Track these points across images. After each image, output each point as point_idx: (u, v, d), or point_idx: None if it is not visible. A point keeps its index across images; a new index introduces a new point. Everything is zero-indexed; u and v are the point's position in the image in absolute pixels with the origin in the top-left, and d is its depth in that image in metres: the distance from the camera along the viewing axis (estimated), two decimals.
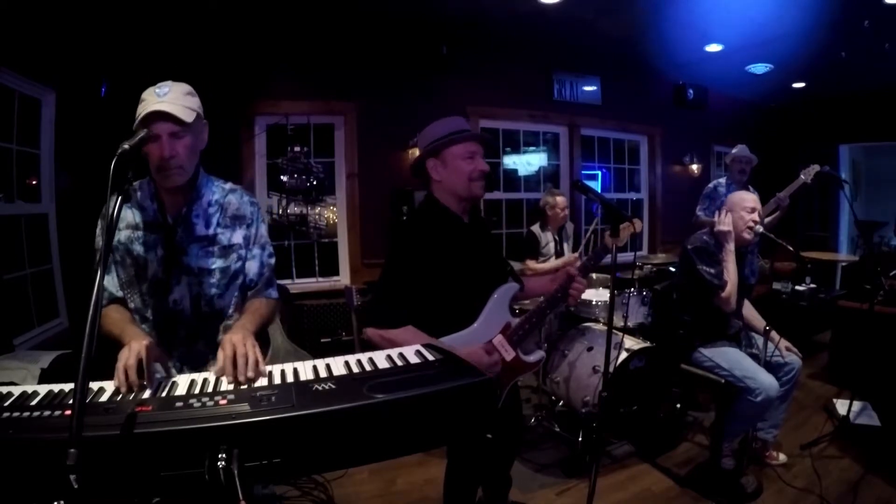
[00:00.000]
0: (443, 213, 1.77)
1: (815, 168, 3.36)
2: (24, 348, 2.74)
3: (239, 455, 0.82)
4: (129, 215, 1.43)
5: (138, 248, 1.41)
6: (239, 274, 1.51)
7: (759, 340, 2.51)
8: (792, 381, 2.49)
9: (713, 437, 2.66)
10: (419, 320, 1.61)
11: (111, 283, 1.43)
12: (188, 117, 1.32)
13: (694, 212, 3.87)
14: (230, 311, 1.50)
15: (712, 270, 2.42)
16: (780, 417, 2.57)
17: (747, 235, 2.45)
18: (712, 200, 3.76)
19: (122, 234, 1.41)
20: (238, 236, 1.49)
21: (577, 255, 3.64)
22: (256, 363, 1.13)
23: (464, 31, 4.56)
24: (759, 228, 2.41)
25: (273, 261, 1.58)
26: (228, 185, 1.54)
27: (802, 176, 3.36)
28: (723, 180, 3.85)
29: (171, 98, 1.31)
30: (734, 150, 3.80)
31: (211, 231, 1.46)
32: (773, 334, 2.48)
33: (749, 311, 2.72)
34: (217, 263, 1.46)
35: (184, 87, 1.38)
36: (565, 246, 4.02)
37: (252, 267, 1.52)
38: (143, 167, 1.35)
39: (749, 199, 2.47)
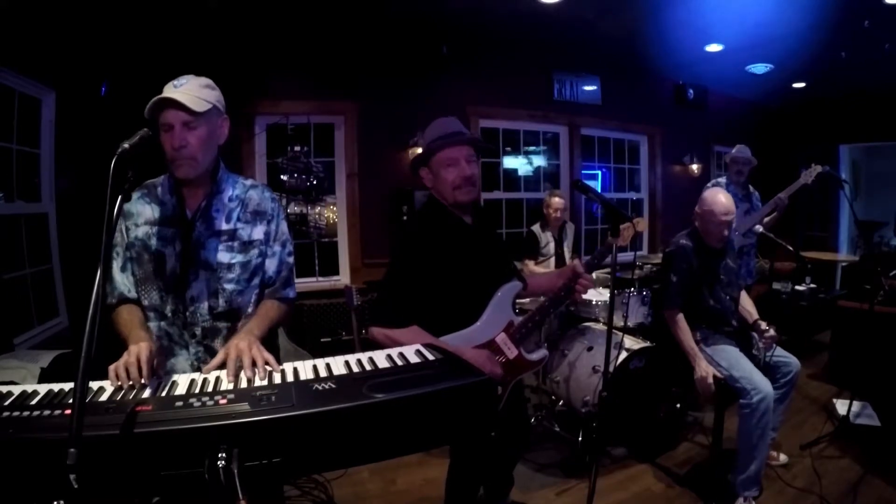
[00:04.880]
0: (445, 214, 1.77)
1: (817, 169, 3.35)
2: (24, 348, 2.74)
3: (239, 454, 0.82)
4: (148, 211, 1.42)
5: (156, 244, 1.40)
6: (259, 270, 1.49)
7: (759, 341, 2.50)
8: (790, 382, 2.47)
9: (713, 438, 2.64)
10: (423, 319, 1.61)
11: (125, 282, 1.42)
12: (199, 107, 1.32)
13: (693, 211, 3.86)
14: (249, 309, 1.47)
15: (675, 279, 2.48)
16: (778, 419, 2.56)
17: (717, 245, 2.51)
18: None
19: (139, 231, 1.41)
20: (259, 232, 1.48)
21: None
22: (266, 363, 1.14)
23: (464, 31, 4.56)
24: (759, 228, 2.41)
25: (292, 259, 1.57)
26: (249, 182, 1.54)
27: (803, 177, 3.36)
28: (722, 180, 3.84)
29: (185, 89, 1.32)
30: (733, 151, 3.78)
31: (231, 226, 1.45)
32: (770, 332, 2.47)
33: (745, 302, 2.71)
34: (237, 258, 1.44)
35: (202, 80, 1.38)
36: (565, 246, 4.02)
37: (271, 265, 1.51)
38: (145, 167, 1.35)
39: (721, 206, 2.47)
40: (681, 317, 2.49)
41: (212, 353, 1.44)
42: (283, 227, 1.54)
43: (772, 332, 2.43)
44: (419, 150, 1.77)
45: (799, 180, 3.37)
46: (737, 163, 3.73)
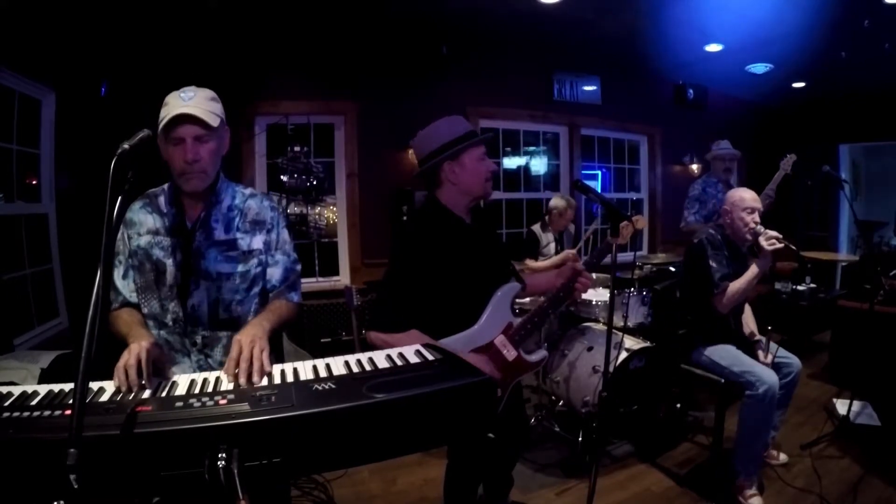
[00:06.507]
0: (444, 216, 1.77)
1: (793, 157, 3.44)
2: (24, 348, 2.74)
3: (239, 455, 0.82)
4: (150, 220, 1.43)
5: (158, 253, 1.41)
6: (259, 280, 1.49)
7: (761, 346, 2.51)
8: (792, 382, 2.48)
9: (714, 438, 2.65)
10: (422, 322, 1.61)
11: (126, 287, 1.43)
12: (213, 121, 1.33)
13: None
14: (249, 318, 1.47)
15: (715, 266, 2.42)
16: (778, 419, 2.56)
17: (748, 237, 2.44)
18: (703, 203, 3.68)
19: (142, 240, 1.42)
20: (258, 241, 1.48)
21: (575, 251, 3.64)
22: (262, 368, 1.11)
23: (464, 31, 4.56)
24: (760, 229, 2.40)
25: (299, 267, 1.57)
26: (248, 191, 1.54)
27: (782, 167, 3.42)
28: (709, 179, 3.77)
29: (196, 102, 1.32)
30: (716, 150, 3.72)
31: (230, 235, 1.45)
32: (771, 343, 2.48)
33: (747, 317, 2.72)
34: (236, 268, 1.44)
35: (208, 93, 1.38)
36: (566, 246, 4.04)
37: (275, 273, 1.51)
38: (145, 167, 1.35)
39: (749, 199, 2.44)
40: (727, 287, 2.38)
41: (212, 362, 1.44)
42: (285, 235, 1.54)
43: (769, 359, 2.44)
44: (440, 144, 1.74)
45: (779, 171, 3.43)
46: (724, 160, 3.70)
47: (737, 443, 2.36)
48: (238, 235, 1.46)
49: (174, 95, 1.33)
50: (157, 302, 1.42)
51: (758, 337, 2.59)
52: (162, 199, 1.45)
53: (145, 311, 1.43)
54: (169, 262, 1.41)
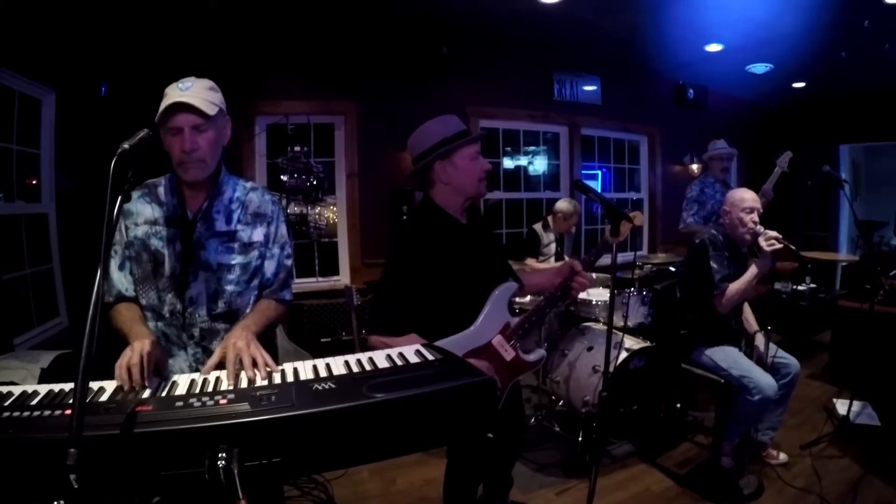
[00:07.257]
0: (440, 216, 1.77)
1: (789, 155, 3.44)
2: (24, 348, 2.74)
3: (239, 454, 0.82)
4: (148, 210, 1.43)
5: (156, 244, 1.41)
6: (258, 272, 1.50)
7: (760, 343, 2.51)
8: (790, 384, 2.49)
9: (713, 437, 2.65)
10: (420, 323, 1.60)
11: (123, 281, 1.43)
12: (210, 110, 1.33)
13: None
14: (247, 311, 1.48)
15: (716, 266, 2.42)
16: (777, 420, 2.57)
17: (747, 237, 2.44)
18: (701, 205, 3.67)
19: (139, 230, 1.41)
20: (258, 234, 1.49)
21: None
22: (266, 363, 1.14)
23: (464, 31, 4.56)
24: (760, 229, 2.40)
25: (290, 262, 1.57)
26: (250, 184, 1.54)
27: (778, 164, 3.43)
28: (706, 179, 3.77)
29: (193, 91, 1.32)
30: (713, 150, 3.71)
31: (231, 227, 1.45)
32: (767, 342, 2.49)
33: (746, 313, 2.72)
34: (237, 259, 1.45)
35: (206, 83, 1.38)
36: (566, 246, 4.05)
37: (269, 267, 1.51)
38: (145, 167, 1.35)
39: (749, 199, 2.44)
40: (727, 288, 2.39)
41: (209, 354, 1.43)
42: (283, 229, 1.55)
43: (768, 360, 2.46)
44: (431, 144, 1.74)
45: (776, 169, 3.43)
46: (721, 159, 3.69)
47: (724, 430, 2.48)
48: (238, 227, 1.46)
49: (172, 86, 1.34)
50: (155, 293, 1.42)
51: (758, 339, 2.59)
52: (161, 189, 1.45)
53: (143, 302, 1.43)
54: (167, 252, 1.40)
